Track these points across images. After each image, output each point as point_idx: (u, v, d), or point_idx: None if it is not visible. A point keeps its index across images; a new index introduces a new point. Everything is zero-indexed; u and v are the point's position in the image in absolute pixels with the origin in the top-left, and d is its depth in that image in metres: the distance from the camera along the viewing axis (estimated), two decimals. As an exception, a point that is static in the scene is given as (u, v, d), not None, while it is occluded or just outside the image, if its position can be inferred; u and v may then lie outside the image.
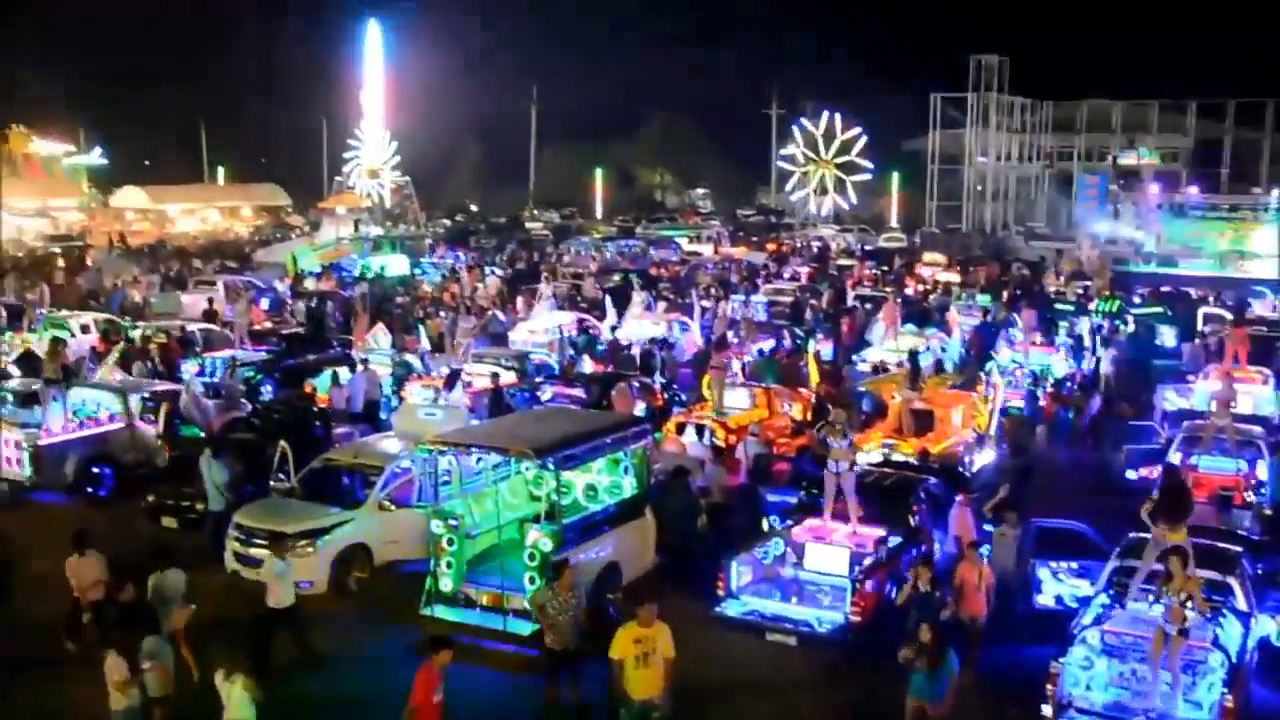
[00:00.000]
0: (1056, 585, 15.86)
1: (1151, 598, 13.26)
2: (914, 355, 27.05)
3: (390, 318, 34.40)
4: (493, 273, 49.69)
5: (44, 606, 15.26)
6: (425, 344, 27.98)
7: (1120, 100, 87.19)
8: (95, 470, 20.74)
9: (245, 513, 17.13)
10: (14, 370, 26.31)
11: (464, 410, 21.96)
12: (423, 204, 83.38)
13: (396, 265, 52.51)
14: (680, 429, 22.67)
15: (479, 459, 16.68)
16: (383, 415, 24.04)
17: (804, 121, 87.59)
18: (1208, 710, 12.37)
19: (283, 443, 18.09)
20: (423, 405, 21.93)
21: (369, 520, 16.97)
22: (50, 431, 21.23)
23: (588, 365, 29.00)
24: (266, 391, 26.13)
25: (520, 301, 39.67)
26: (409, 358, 27.94)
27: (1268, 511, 19.37)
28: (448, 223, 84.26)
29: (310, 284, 45.78)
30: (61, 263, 52.92)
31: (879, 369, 28.84)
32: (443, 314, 35.85)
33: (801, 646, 14.22)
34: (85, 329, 31.89)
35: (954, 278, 52.70)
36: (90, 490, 20.72)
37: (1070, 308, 38.76)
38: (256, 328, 33.34)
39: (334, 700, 13.51)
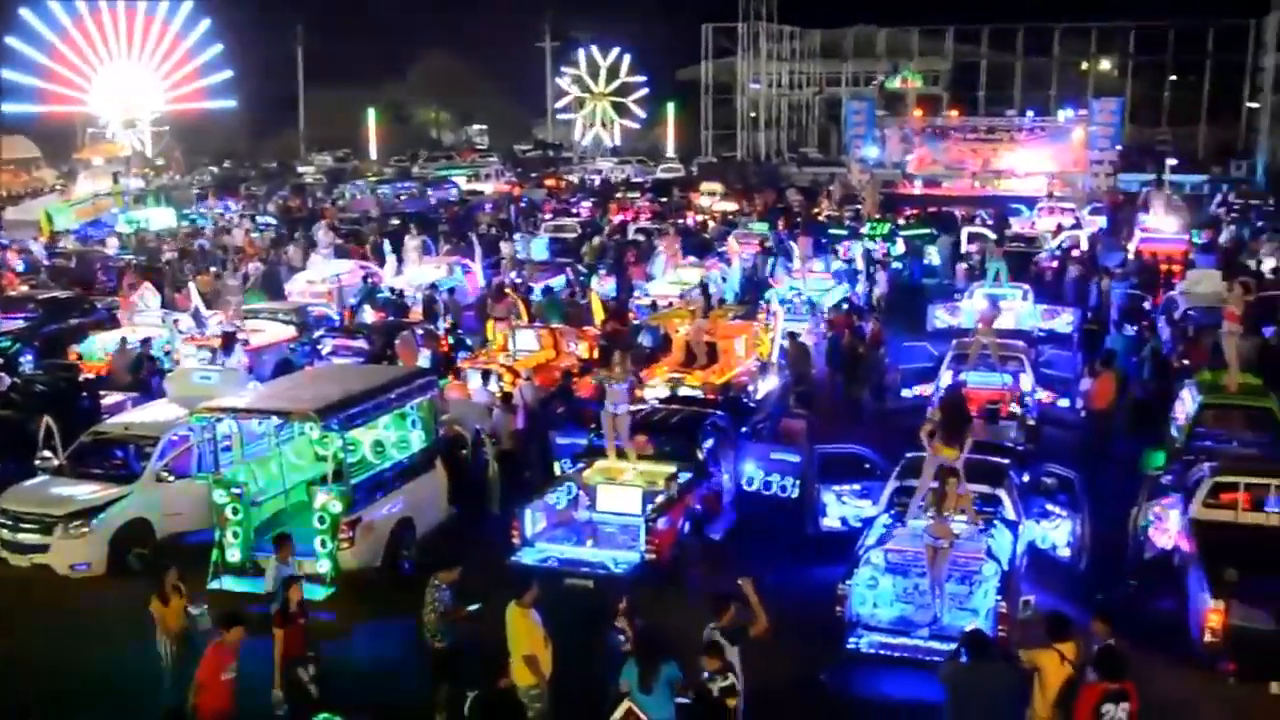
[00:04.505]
0: (840, 508, 16.42)
1: (928, 515, 13.88)
2: (705, 285, 27.44)
3: (158, 275, 32.93)
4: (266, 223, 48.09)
5: None
6: (197, 301, 26.82)
7: (884, 26, 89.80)
8: None
9: (10, 496, 16.22)
10: None
11: (243, 372, 21.24)
12: (186, 151, 79.82)
13: (161, 218, 50.13)
14: (460, 375, 22.52)
15: (261, 423, 16.16)
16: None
17: (565, 69, 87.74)
18: (983, 616, 13.04)
19: (46, 417, 17.21)
20: (198, 369, 21.09)
21: (147, 494, 16.25)
22: None
23: (369, 315, 28.37)
24: (26, 362, 24.68)
25: (293, 250, 38.46)
26: (180, 317, 26.75)
27: (1031, 422, 20.51)
28: (215, 170, 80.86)
29: (69, 243, 43.34)
30: None
31: (657, 303, 29.10)
32: (214, 268, 34.53)
33: (599, 589, 14.31)
34: None
35: (731, 206, 53.76)
36: None
37: (844, 232, 39.88)
38: (11, 293, 31.37)
39: (118, 684, 12.94)
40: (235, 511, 15.04)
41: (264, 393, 17.32)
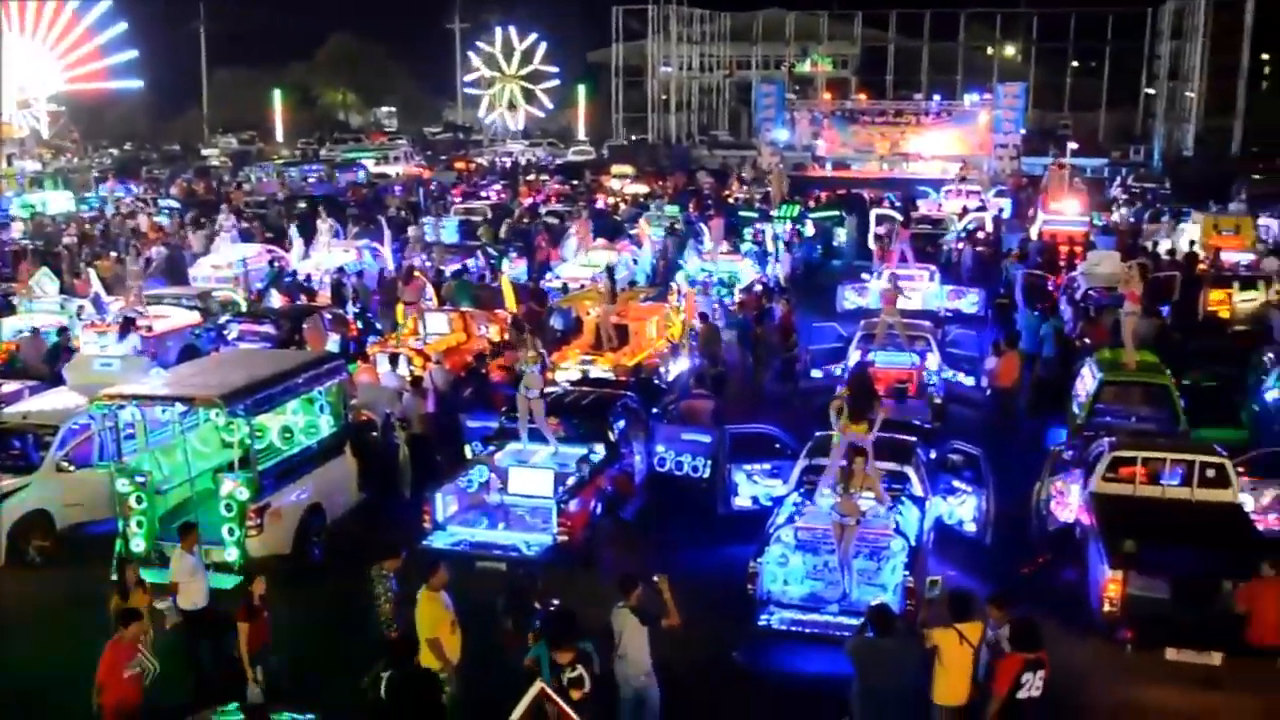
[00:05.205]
0: (751, 487, 16.55)
1: (836, 493, 14.04)
2: (610, 269, 27.42)
3: (55, 260, 32.13)
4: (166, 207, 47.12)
5: None
6: (97, 287, 26.21)
7: (793, 10, 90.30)
8: None
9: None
10: None
11: (145, 358, 20.81)
12: (84, 133, 77.83)
13: (58, 202, 48.86)
14: (370, 359, 22.35)
15: (164, 410, 15.84)
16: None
17: (480, 44, 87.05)
18: (892, 592, 13.24)
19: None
20: (98, 355, 20.61)
21: (46, 484, 15.86)
22: None
23: (276, 300, 27.95)
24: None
25: (193, 235, 37.78)
26: (81, 303, 26.11)
27: (938, 400, 20.86)
28: (115, 152, 78.94)
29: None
30: None
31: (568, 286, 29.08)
32: (114, 253, 33.79)
33: (511, 571, 14.26)
34: None
35: (643, 189, 53.82)
36: None
37: (754, 214, 40.12)
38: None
39: (24, 683, 12.64)
40: (139, 501, 14.71)
41: (168, 379, 16.96)
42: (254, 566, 13.97)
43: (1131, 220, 42.77)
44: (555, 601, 11.43)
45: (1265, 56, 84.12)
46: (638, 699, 10.87)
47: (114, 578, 12.78)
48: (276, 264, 31.27)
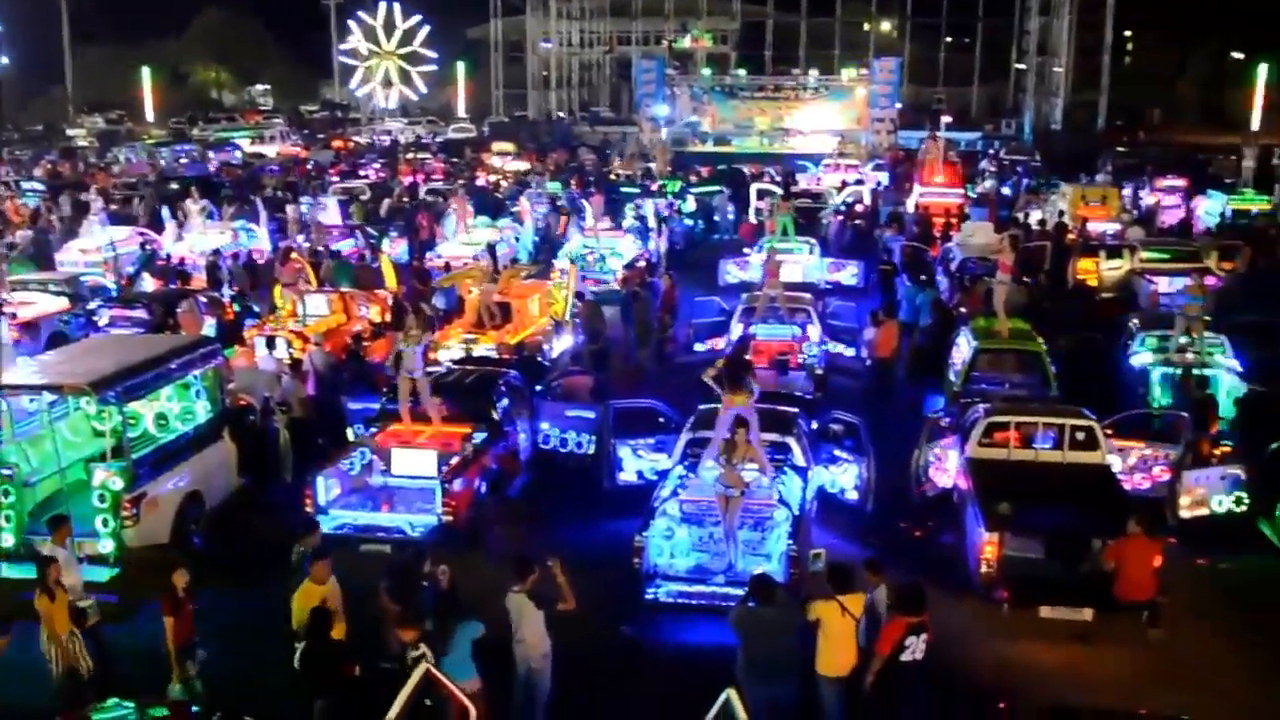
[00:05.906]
0: (636, 462, 16.63)
1: (720, 464, 14.17)
2: (491, 248, 27.26)
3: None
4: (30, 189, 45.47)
5: None
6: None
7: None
8: None
9: None
10: None
11: (9, 346, 20.12)
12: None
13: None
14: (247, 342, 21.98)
15: (31, 399, 15.32)
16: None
17: (362, 15, 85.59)
18: (776, 561, 13.42)
19: None
20: (-41, 345, 19.84)
21: (-94, 480, 15.25)
22: None
23: (149, 284, 27.23)
24: None
25: (54, 218, 36.61)
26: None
27: (819, 371, 21.17)
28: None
29: None
30: None
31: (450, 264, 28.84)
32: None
33: (395, 553, 14.12)
34: None
35: (524, 166, 53.58)
36: None
37: (636, 190, 40.16)
38: None
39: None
40: (6, 494, 14.18)
41: (34, 367, 16.41)
42: (132, 557, 13.77)
43: (1004, 192, 43.78)
44: (444, 568, 11.37)
45: (1128, 34, 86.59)
46: (530, 676, 10.89)
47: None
48: (148, 247, 30.44)
